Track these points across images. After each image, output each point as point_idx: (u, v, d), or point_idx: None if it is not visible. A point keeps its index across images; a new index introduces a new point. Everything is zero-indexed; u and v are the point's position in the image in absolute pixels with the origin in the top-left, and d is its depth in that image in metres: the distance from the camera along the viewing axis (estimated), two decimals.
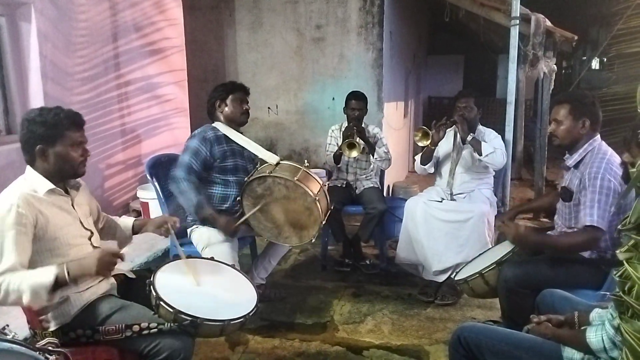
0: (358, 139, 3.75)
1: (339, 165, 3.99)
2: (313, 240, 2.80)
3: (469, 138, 3.48)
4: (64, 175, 1.96)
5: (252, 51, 5.80)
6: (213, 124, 3.03)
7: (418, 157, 3.76)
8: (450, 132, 3.65)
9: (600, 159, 2.35)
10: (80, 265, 1.77)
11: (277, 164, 2.74)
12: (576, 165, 2.47)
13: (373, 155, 3.92)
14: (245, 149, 3.01)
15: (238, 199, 2.86)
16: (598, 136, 2.47)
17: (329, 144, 4.10)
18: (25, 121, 1.87)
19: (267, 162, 2.82)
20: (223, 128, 2.99)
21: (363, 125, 3.97)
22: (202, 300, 1.98)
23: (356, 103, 3.95)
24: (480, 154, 3.43)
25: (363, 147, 3.84)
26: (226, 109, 3.01)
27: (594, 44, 9.37)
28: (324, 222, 2.73)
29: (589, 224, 2.25)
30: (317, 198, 2.62)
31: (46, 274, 1.71)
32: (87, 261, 1.79)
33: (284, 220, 2.79)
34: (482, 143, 3.45)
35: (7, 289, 1.68)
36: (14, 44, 3.54)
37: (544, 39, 5.23)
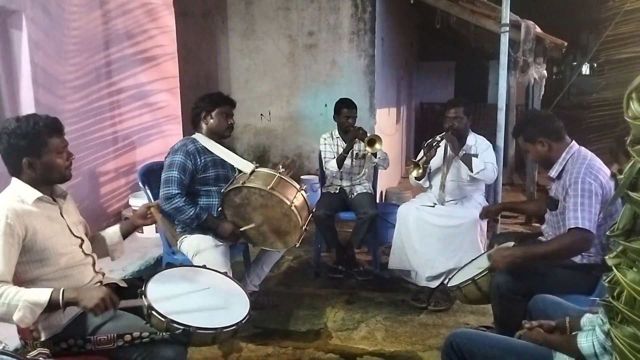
0: (355, 152, 3.81)
1: (340, 170, 3.99)
2: (297, 245, 2.78)
3: (461, 154, 3.50)
4: (52, 182, 1.95)
5: (244, 58, 5.82)
6: (193, 136, 3.04)
7: (414, 174, 3.72)
8: (441, 144, 3.65)
9: (580, 164, 2.39)
10: (77, 293, 1.74)
11: (252, 172, 2.73)
12: (559, 176, 2.51)
13: (375, 156, 3.91)
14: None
15: (220, 209, 2.86)
16: (573, 143, 2.53)
17: (324, 150, 4.11)
18: (4, 135, 1.83)
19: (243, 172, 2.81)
20: (203, 140, 3.00)
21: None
22: (194, 308, 1.96)
23: (348, 111, 4.01)
24: (471, 170, 3.45)
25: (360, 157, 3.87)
26: (211, 121, 3.02)
27: (584, 49, 9.47)
28: (305, 227, 2.71)
29: (573, 226, 2.27)
30: (293, 204, 2.61)
31: (41, 293, 1.69)
32: (85, 294, 1.75)
33: (266, 227, 2.79)
34: (473, 159, 3.46)
35: None
36: (4, 51, 3.53)
37: (534, 45, 5.27)
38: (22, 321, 1.67)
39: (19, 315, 1.65)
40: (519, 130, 2.66)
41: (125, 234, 2.31)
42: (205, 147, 2.97)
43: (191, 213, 2.79)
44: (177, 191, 2.81)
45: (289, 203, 2.61)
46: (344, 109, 4.00)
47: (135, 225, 2.32)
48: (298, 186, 2.74)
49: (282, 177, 2.70)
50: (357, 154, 4.04)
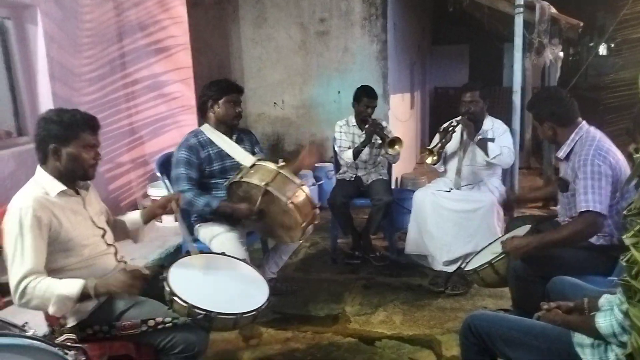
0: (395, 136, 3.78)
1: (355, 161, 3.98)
2: (301, 242, 2.74)
3: (476, 139, 3.48)
4: (75, 177, 1.98)
5: (256, 46, 5.82)
6: (200, 128, 3.01)
7: (429, 160, 3.68)
8: (457, 129, 3.61)
9: (589, 146, 2.37)
10: (106, 284, 1.82)
11: (252, 166, 2.68)
12: (567, 157, 2.49)
13: (387, 152, 3.90)
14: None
15: (223, 199, 2.84)
16: (583, 123, 2.49)
17: (340, 139, 4.07)
18: (42, 120, 1.91)
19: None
20: (208, 131, 2.97)
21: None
22: (215, 294, 2.00)
23: (369, 101, 3.93)
24: (487, 155, 3.43)
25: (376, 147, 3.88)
26: (218, 110, 2.96)
27: (601, 29, 9.28)
28: (305, 224, 2.63)
29: (584, 209, 2.26)
30: (290, 200, 2.52)
31: (73, 287, 1.76)
32: (113, 281, 1.83)
33: (271, 220, 2.74)
34: (489, 144, 3.44)
35: (32, 293, 1.73)
36: (21, 46, 3.58)
37: (549, 26, 5.18)
38: (56, 313, 1.77)
39: (54, 309, 1.75)
40: (530, 106, 2.69)
41: (146, 220, 2.35)
42: (210, 139, 2.95)
43: (201, 203, 2.79)
44: (186, 187, 2.82)
45: (285, 200, 2.52)
46: (365, 97, 3.93)
47: (155, 214, 2.35)
48: (298, 181, 2.63)
49: (282, 172, 2.60)
50: (373, 143, 3.95)
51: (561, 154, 2.52)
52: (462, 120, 3.53)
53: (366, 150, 3.93)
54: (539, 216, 3.49)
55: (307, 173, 5.06)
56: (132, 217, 2.36)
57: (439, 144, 3.53)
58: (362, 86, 4.04)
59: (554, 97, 2.57)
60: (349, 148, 4.00)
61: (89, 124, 1.94)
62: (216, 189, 2.96)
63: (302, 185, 2.63)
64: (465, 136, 3.57)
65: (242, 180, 2.63)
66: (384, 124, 4.04)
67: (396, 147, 3.74)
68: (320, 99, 5.73)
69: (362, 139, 3.93)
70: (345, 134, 4.07)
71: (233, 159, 2.98)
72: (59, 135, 1.88)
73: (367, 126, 3.87)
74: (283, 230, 2.78)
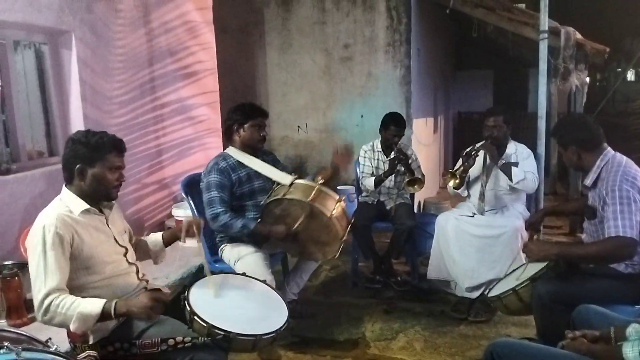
0: (419, 175, 3.78)
1: (377, 190, 3.97)
2: (336, 256, 2.80)
3: (500, 163, 3.45)
4: (98, 197, 2.02)
5: (281, 71, 5.92)
6: (226, 151, 3.06)
7: (451, 184, 3.68)
8: (480, 153, 3.60)
9: (615, 172, 2.33)
10: (127, 306, 1.83)
11: (291, 184, 2.74)
12: (594, 184, 2.44)
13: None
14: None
15: (259, 221, 2.87)
16: (608, 149, 2.45)
17: (363, 164, 4.07)
18: (70, 140, 1.97)
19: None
20: (236, 154, 3.02)
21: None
22: (234, 315, 2.01)
23: (396, 130, 3.89)
24: (511, 180, 3.40)
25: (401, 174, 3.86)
26: (244, 133, 3.01)
27: (629, 55, 9.17)
28: (344, 237, 2.72)
29: (614, 234, 2.20)
30: (333, 215, 2.62)
31: (94, 305, 1.79)
32: (135, 303, 1.85)
33: (306, 237, 2.80)
34: (513, 169, 3.40)
35: (55, 311, 1.76)
36: (55, 70, 3.73)
37: (574, 51, 5.15)
38: (77, 330, 1.79)
39: (75, 327, 1.78)
40: (554, 133, 2.67)
41: (167, 243, 2.39)
42: (239, 162, 3.00)
43: (239, 226, 2.82)
44: (221, 209, 2.85)
45: (329, 215, 2.63)
46: (393, 126, 3.89)
47: (177, 237, 2.37)
48: (337, 197, 2.75)
49: (322, 188, 2.71)
50: (398, 171, 3.90)
51: (588, 181, 2.47)
52: (485, 144, 3.51)
53: (390, 177, 3.92)
54: (564, 243, 3.42)
55: (347, 189, 5.14)
56: (154, 238, 2.39)
57: (462, 167, 3.51)
58: (390, 113, 4.00)
59: (578, 123, 2.55)
60: (372, 174, 4.00)
61: (116, 146, 2.00)
62: (245, 210, 3.00)
63: (341, 200, 2.74)
64: (488, 160, 3.54)
65: (285, 197, 2.68)
66: (409, 152, 4.03)
67: (415, 186, 3.71)
68: (343, 123, 5.78)
69: (386, 165, 3.93)
70: (369, 159, 4.06)
71: (261, 181, 3.03)
72: (85, 156, 1.94)
73: (390, 157, 3.86)
74: (317, 247, 2.84)
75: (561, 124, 2.68)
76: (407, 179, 3.73)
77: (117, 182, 2.03)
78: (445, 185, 3.62)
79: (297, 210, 2.72)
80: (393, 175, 3.94)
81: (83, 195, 1.98)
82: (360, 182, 4.12)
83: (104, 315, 1.79)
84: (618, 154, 2.45)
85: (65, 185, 2.01)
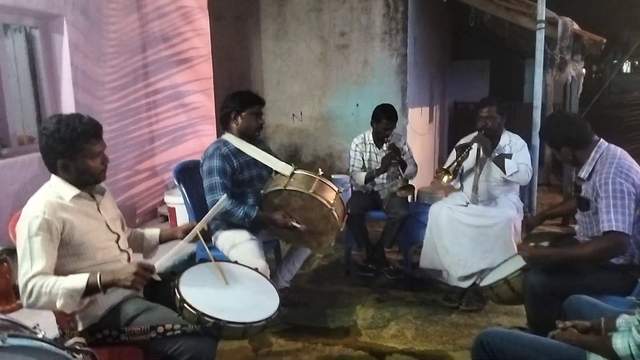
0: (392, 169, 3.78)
1: (368, 184, 3.95)
2: (332, 245, 2.82)
3: (493, 156, 3.43)
4: (86, 184, 2.00)
5: (277, 59, 5.87)
6: (224, 137, 3.03)
7: (444, 180, 3.63)
8: (473, 146, 3.55)
9: (610, 164, 2.32)
10: (113, 275, 1.80)
11: (292, 174, 2.75)
12: (589, 176, 2.44)
13: (404, 172, 3.88)
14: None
15: (257, 208, 2.88)
16: (602, 141, 2.44)
17: (354, 158, 4.06)
18: (43, 135, 1.89)
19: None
20: (235, 141, 2.99)
21: (390, 137, 3.92)
22: (225, 302, 2.00)
23: (388, 123, 3.86)
24: (504, 173, 3.39)
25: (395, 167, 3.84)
26: (241, 122, 2.99)
27: (625, 47, 9.15)
28: (342, 227, 2.76)
29: (607, 229, 2.20)
30: (333, 207, 2.64)
31: (79, 279, 1.76)
32: (121, 272, 1.81)
33: (304, 226, 2.80)
34: (506, 161, 3.39)
35: (39, 291, 1.73)
36: (46, 54, 3.68)
37: (571, 42, 5.12)
38: (65, 307, 1.75)
39: (61, 303, 1.73)
40: (545, 134, 2.64)
41: (162, 241, 2.38)
42: (239, 149, 2.98)
43: (241, 214, 2.82)
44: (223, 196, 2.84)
45: (329, 206, 2.64)
46: (384, 119, 3.85)
47: (176, 237, 2.36)
48: (336, 188, 2.77)
49: (322, 179, 2.73)
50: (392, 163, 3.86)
51: (583, 173, 2.46)
52: (478, 136, 3.49)
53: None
54: (557, 233, 3.42)
55: (341, 178, 5.12)
56: (152, 233, 2.38)
57: (455, 163, 3.49)
58: (382, 106, 3.94)
59: (565, 122, 2.52)
60: (363, 167, 4.00)
61: (92, 133, 1.93)
62: (243, 197, 2.99)
63: (339, 192, 2.77)
64: (482, 153, 3.53)
65: (286, 188, 2.69)
66: (401, 143, 4.01)
67: (403, 191, 3.70)
68: (339, 111, 5.75)
69: (379, 157, 3.92)
70: (360, 153, 4.04)
71: (259, 168, 3.02)
72: (64, 151, 1.88)
73: (383, 155, 3.84)
74: (313, 236, 2.85)
75: (549, 126, 2.62)
76: (399, 185, 3.72)
77: (102, 166, 2.00)
78: (439, 179, 3.59)
79: (297, 200, 2.73)
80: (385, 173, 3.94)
81: (72, 183, 1.95)
82: (350, 177, 4.10)
83: (90, 288, 1.76)
84: (612, 146, 2.44)
85: (53, 174, 1.98)
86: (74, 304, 1.76)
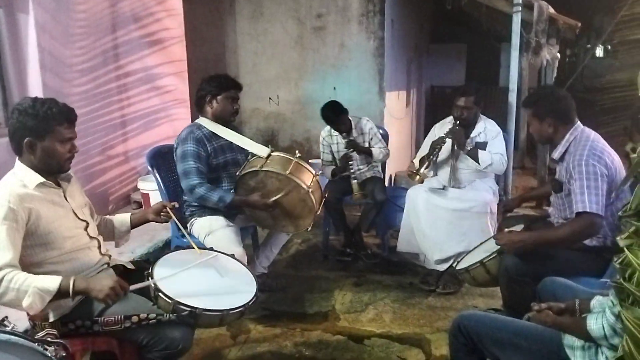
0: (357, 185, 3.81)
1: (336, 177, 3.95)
2: (309, 229, 2.79)
3: (467, 148, 3.43)
4: (50, 170, 1.92)
5: (252, 41, 5.76)
6: (198, 121, 2.98)
7: (416, 179, 3.57)
8: (447, 140, 3.50)
9: (583, 146, 2.34)
10: (87, 283, 1.75)
11: (268, 156, 2.70)
12: (562, 157, 2.46)
13: (372, 157, 3.91)
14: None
15: (232, 192, 2.85)
16: (578, 124, 2.46)
17: (322, 152, 4.09)
18: (16, 111, 1.83)
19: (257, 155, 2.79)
20: (209, 124, 2.94)
21: (354, 122, 3.95)
22: (201, 290, 1.97)
23: (336, 121, 3.85)
24: (478, 164, 3.40)
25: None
26: (216, 106, 2.94)
27: (598, 31, 9.26)
28: (318, 211, 2.73)
29: (581, 210, 2.23)
30: (310, 189, 2.62)
31: (51, 281, 1.70)
32: (96, 283, 1.76)
33: (279, 211, 2.77)
34: (480, 153, 3.39)
35: (7, 286, 1.66)
36: (11, 35, 3.52)
37: (547, 26, 5.15)
38: (31, 307, 1.69)
39: (29, 302, 1.67)
40: (530, 102, 2.58)
41: (134, 225, 2.32)
42: (213, 133, 2.92)
43: (215, 199, 2.77)
44: (197, 180, 2.79)
45: (306, 188, 2.61)
46: (332, 120, 3.86)
47: (148, 220, 2.31)
48: (313, 171, 2.74)
49: (299, 162, 2.69)
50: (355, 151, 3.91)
51: (556, 154, 2.49)
52: (452, 130, 3.43)
53: (354, 156, 3.91)
54: (531, 216, 3.46)
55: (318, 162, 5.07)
56: (121, 218, 2.32)
57: (427, 163, 3.46)
58: (325, 107, 3.89)
59: (556, 95, 2.52)
60: (332, 160, 4.04)
61: (66, 117, 1.87)
62: (218, 182, 2.94)
63: (317, 175, 2.74)
64: (455, 146, 3.52)
65: (262, 169, 2.64)
66: (369, 125, 4.00)
67: (358, 195, 3.77)
68: (316, 95, 5.68)
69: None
70: (328, 145, 4.05)
71: (234, 152, 2.98)
72: (33, 128, 1.82)
73: (341, 157, 3.92)
74: (290, 220, 2.82)
75: (539, 94, 2.61)
76: (356, 193, 3.76)
77: (70, 154, 1.93)
78: (412, 179, 3.57)
79: (273, 182, 2.69)
80: (357, 157, 3.95)
81: (36, 168, 1.88)
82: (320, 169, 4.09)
83: (60, 292, 1.70)
84: (587, 129, 2.46)
85: (19, 159, 1.90)
86: (41, 305, 1.69)
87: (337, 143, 4.00)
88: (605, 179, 2.25)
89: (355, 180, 3.81)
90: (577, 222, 2.26)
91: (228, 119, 2.99)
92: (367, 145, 3.95)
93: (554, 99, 2.50)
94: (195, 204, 2.90)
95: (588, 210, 2.21)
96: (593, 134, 2.42)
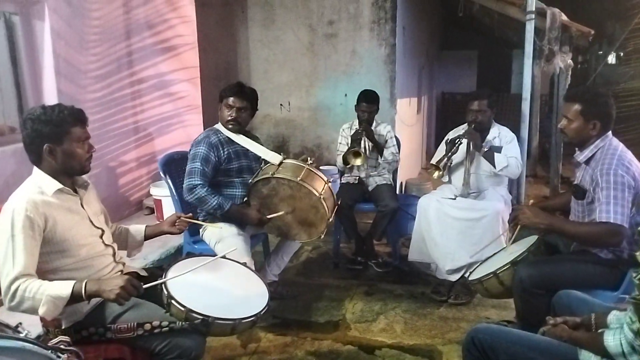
0: (363, 146, 3.76)
1: (348, 166, 3.95)
2: (322, 237, 2.80)
3: (483, 150, 3.42)
4: (72, 173, 1.95)
5: (264, 48, 5.79)
6: (215, 126, 3.04)
7: (435, 175, 3.60)
8: (463, 141, 3.53)
9: (612, 155, 2.29)
10: (98, 285, 1.75)
11: (280, 163, 2.73)
12: (587, 162, 2.41)
13: (381, 156, 3.91)
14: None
15: (245, 199, 2.87)
16: (609, 132, 2.41)
17: (340, 143, 4.09)
18: (29, 120, 1.84)
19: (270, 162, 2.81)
20: (224, 130, 3.00)
21: (374, 124, 3.98)
22: (213, 298, 1.97)
23: (367, 106, 3.91)
24: (494, 167, 3.39)
25: (370, 151, 3.85)
26: (220, 112, 3.01)
27: (611, 38, 9.20)
28: (331, 219, 2.74)
29: (605, 220, 2.18)
30: (322, 196, 2.62)
31: (64, 287, 1.71)
32: (107, 283, 1.76)
33: (292, 218, 2.78)
34: (496, 156, 3.39)
35: (22, 295, 1.68)
36: (27, 42, 3.57)
37: (559, 33, 5.13)
38: (47, 314, 1.70)
39: (44, 310, 1.69)
40: (583, 99, 2.39)
41: (148, 237, 2.33)
42: (229, 138, 2.97)
43: (214, 203, 2.80)
44: (199, 182, 2.81)
45: (317, 195, 2.61)
46: (363, 102, 3.91)
47: (163, 232, 2.32)
48: (325, 178, 2.75)
49: (311, 169, 2.71)
50: (366, 147, 3.89)
51: (582, 157, 2.42)
52: (468, 131, 3.46)
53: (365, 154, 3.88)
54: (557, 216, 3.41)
55: (329, 169, 5.10)
56: (137, 228, 2.33)
57: (445, 158, 3.47)
58: (363, 91, 4.00)
59: (610, 100, 2.41)
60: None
61: (77, 117, 1.90)
62: (232, 187, 2.98)
63: (328, 182, 2.75)
64: (471, 147, 3.51)
65: (274, 176, 2.66)
66: (386, 129, 4.02)
67: (358, 159, 3.72)
68: (327, 101, 5.70)
69: (367, 143, 3.90)
70: (347, 137, 4.04)
71: (249, 159, 3.01)
72: (50, 134, 1.83)
73: (352, 134, 3.88)
74: (302, 228, 2.83)
75: (597, 95, 2.44)
76: (351, 151, 3.71)
77: (88, 154, 1.95)
78: (428, 169, 3.57)
79: (285, 189, 2.71)
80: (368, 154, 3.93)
81: (56, 174, 1.89)
82: (336, 162, 4.11)
83: (74, 297, 1.71)
84: (615, 139, 2.40)
85: (37, 167, 1.92)
86: (56, 311, 1.71)
87: None
88: (632, 191, 2.21)
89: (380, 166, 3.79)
90: (600, 226, 2.20)
91: (226, 126, 3.01)
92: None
93: (609, 103, 2.40)
94: (210, 212, 2.90)
95: (612, 220, 2.16)
96: (621, 145, 2.37)
